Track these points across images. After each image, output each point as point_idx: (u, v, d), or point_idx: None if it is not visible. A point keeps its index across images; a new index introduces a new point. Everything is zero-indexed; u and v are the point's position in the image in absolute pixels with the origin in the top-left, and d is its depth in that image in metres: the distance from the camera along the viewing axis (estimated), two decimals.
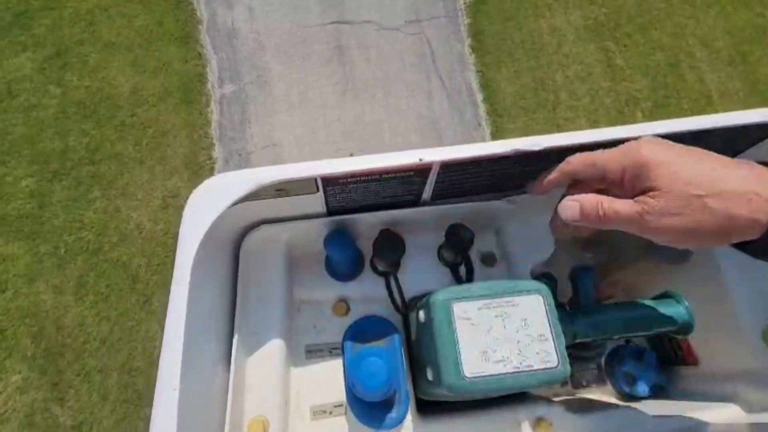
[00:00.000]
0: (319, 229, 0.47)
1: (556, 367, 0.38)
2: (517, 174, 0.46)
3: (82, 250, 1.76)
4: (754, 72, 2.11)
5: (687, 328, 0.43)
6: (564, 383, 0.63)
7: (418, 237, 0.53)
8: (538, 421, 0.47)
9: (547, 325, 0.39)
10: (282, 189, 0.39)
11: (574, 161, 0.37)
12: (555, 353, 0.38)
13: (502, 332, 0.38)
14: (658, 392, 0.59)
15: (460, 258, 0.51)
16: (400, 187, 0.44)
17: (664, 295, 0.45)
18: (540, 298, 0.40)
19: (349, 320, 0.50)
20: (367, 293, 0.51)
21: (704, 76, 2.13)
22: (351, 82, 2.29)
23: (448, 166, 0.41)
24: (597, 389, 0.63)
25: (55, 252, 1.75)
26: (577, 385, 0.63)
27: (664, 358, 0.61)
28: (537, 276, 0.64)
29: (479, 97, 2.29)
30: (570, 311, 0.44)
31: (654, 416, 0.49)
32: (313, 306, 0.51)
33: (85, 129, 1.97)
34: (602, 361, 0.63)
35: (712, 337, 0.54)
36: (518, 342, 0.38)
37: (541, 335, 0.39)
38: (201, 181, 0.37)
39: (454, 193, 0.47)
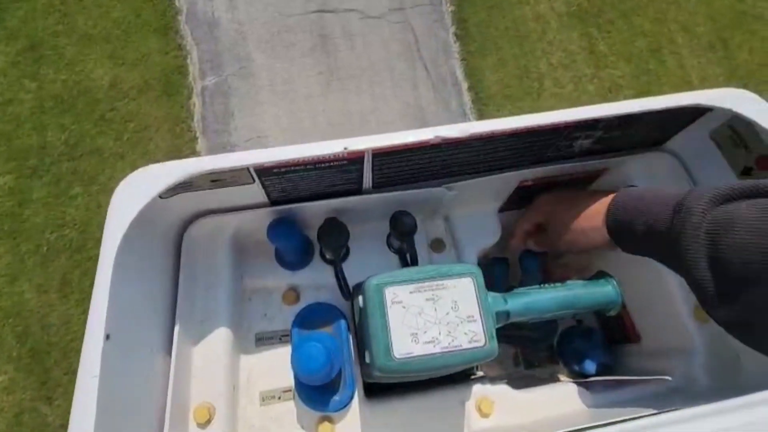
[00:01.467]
0: (265, 218, 0.48)
1: (483, 346, 0.40)
2: (455, 161, 0.47)
3: (64, 248, 1.76)
4: (734, 58, 2.12)
5: (613, 305, 0.45)
6: (516, 363, 0.66)
7: (366, 225, 0.54)
8: (480, 400, 0.49)
9: (477, 306, 0.41)
10: (217, 180, 0.40)
11: (517, 235, 0.57)
12: (482, 333, 0.40)
13: (433, 314, 0.40)
14: (604, 370, 0.61)
15: (409, 242, 0.52)
16: (339, 175, 0.45)
17: (597, 276, 0.47)
18: (470, 280, 0.42)
19: (299, 308, 0.51)
20: (317, 281, 0.52)
21: (685, 61, 2.14)
22: (336, 71, 2.28)
23: (381, 155, 0.42)
24: (548, 368, 0.66)
25: (38, 250, 1.75)
26: (530, 366, 0.65)
27: (611, 337, 0.63)
28: (492, 260, 0.66)
29: (464, 85, 2.28)
30: (505, 293, 0.45)
31: (593, 390, 0.51)
32: (264, 295, 0.52)
33: (64, 124, 1.96)
34: (554, 341, 0.65)
35: (651, 316, 0.56)
36: (448, 323, 0.40)
37: (470, 316, 0.40)
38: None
39: (396, 180, 0.48)
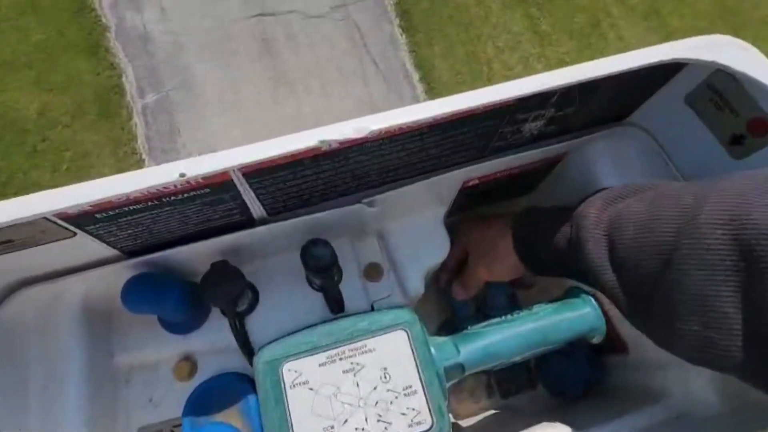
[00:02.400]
0: (125, 273, 0.34)
1: (429, 429, 0.27)
2: (370, 167, 0.34)
3: None
4: (667, 25, 2.13)
5: (595, 332, 0.33)
6: (490, 394, 0.54)
7: (276, 258, 0.41)
8: None
9: (415, 370, 0.28)
10: (7, 242, 0.26)
11: (445, 271, 0.50)
12: (427, 409, 0.27)
13: (354, 393, 0.27)
14: (591, 388, 0.50)
15: (329, 281, 0.39)
16: (210, 208, 0.31)
17: (570, 293, 0.35)
18: (403, 334, 0.29)
19: (198, 382, 0.37)
20: (219, 343, 0.38)
21: (624, 32, 2.11)
22: (283, 75, 2.13)
23: (256, 175, 0.28)
24: (528, 394, 0.54)
25: None
26: (506, 394, 0.53)
27: (594, 347, 0.52)
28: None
29: (415, 76, 2.18)
30: (455, 336, 0.33)
31: (578, 427, 0.40)
32: (148, 372, 0.38)
33: None
34: (531, 362, 0.53)
35: None
36: (377, 403, 0.27)
37: (407, 387, 0.28)
38: None
39: (296, 203, 0.35)
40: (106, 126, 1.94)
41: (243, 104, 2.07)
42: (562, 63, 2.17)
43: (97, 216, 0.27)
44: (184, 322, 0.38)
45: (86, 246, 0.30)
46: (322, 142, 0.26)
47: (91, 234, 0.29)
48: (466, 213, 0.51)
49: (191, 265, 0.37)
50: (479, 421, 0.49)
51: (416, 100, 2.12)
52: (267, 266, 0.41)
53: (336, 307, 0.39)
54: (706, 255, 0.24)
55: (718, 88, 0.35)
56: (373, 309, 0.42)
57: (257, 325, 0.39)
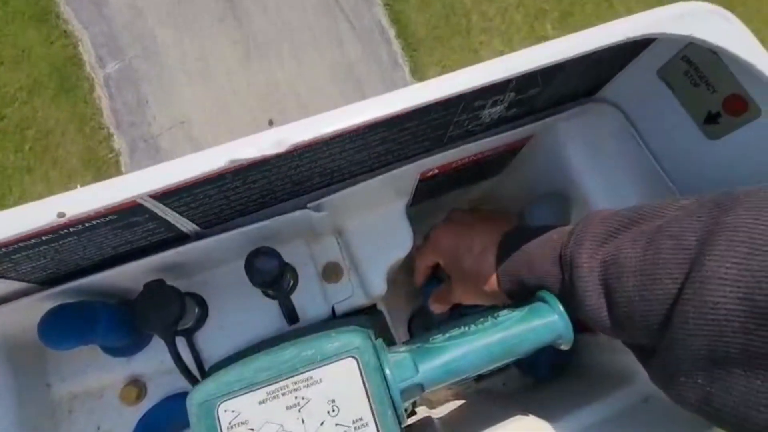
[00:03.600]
0: (44, 305, 0.30)
1: None
2: (311, 172, 0.30)
3: None
4: None
5: (563, 340, 0.31)
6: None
7: (226, 270, 0.37)
8: None
9: (366, 401, 0.25)
10: None
11: (419, 273, 0.45)
12: None
13: (300, 430, 0.24)
14: (559, 370, 0.50)
15: (278, 293, 0.35)
16: (126, 231, 0.27)
17: (536, 298, 0.32)
18: (353, 362, 0.26)
19: (148, 406, 0.35)
20: (167, 362, 0.35)
21: None
22: (252, 39, 1.99)
23: (169, 196, 0.24)
24: (500, 376, 0.53)
25: None
26: (480, 378, 0.53)
27: None
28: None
29: (391, 33, 2.06)
30: (414, 350, 0.30)
31: (554, 420, 0.39)
32: (92, 399, 0.35)
33: None
34: None
35: None
36: None
37: (358, 420, 0.25)
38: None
39: (227, 216, 0.31)
40: (67, 101, 1.82)
41: (211, 71, 1.94)
42: (541, 12, 2.06)
43: None
44: (126, 345, 0.35)
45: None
46: (232, 161, 0.22)
47: None
48: (430, 201, 0.47)
49: (123, 286, 0.33)
50: (454, 408, 0.48)
51: (393, 57, 2.02)
52: (214, 276, 0.37)
53: (289, 318, 0.36)
54: (712, 314, 0.21)
55: (694, 62, 0.31)
56: (334, 312, 0.40)
57: (209, 339, 0.36)
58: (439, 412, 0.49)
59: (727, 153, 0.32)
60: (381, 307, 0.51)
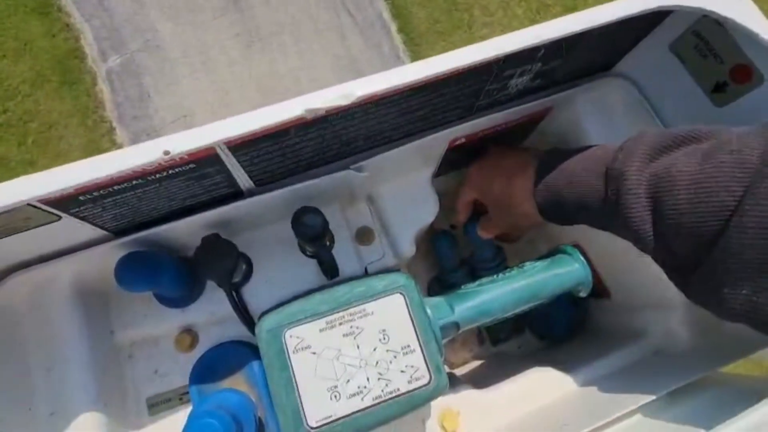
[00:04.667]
0: (116, 253, 0.33)
1: (427, 385, 0.28)
2: (357, 132, 0.33)
3: None
4: None
5: (583, 285, 0.34)
6: (481, 342, 0.57)
7: (267, 228, 0.41)
8: (443, 415, 0.39)
9: (413, 331, 0.29)
10: None
11: (460, 212, 0.49)
12: (425, 365, 0.29)
13: (355, 355, 0.28)
14: (575, 329, 0.53)
15: (321, 248, 0.39)
16: (196, 183, 0.30)
17: (557, 250, 0.36)
18: (400, 297, 0.30)
19: (200, 353, 0.38)
20: (218, 313, 0.39)
21: None
22: (254, 31, 2.01)
23: (242, 147, 0.28)
24: (517, 340, 0.57)
25: None
26: (496, 342, 0.56)
27: None
28: (435, 234, 0.55)
29: (393, 27, 2.09)
30: (449, 295, 0.34)
31: (569, 370, 0.43)
32: (150, 346, 0.38)
33: None
34: None
35: (620, 270, 0.47)
36: (377, 363, 0.28)
37: (405, 347, 0.29)
38: None
39: (283, 173, 0.34)
40: (70, 94, 1.84)
41: (214, 64, 1.96)
42: (543, 6, 2.10)
43: (81, 198, 0.26)
44: (181, 297, 0.38)
45: (73, 228, 0.29)
46: (308, 110, 0.25)
47: (76, 216, 0.28)
48: (453, 171, 0.51)
49: (182, 240, 0.36)
50: (473, 368, 0.52)
51: (395, 52, 2.05)
52: (259, 236, 0.41)
53: (330, 272, 0.39)
54: None
55: (704, 35, 0.35)
56: (366, 272, 0.43)
57: (254, 294, 0.40)
58: (460, 371, 0.53)
59: (733, 119, 0.36)
60: (404, 271, 0.55)
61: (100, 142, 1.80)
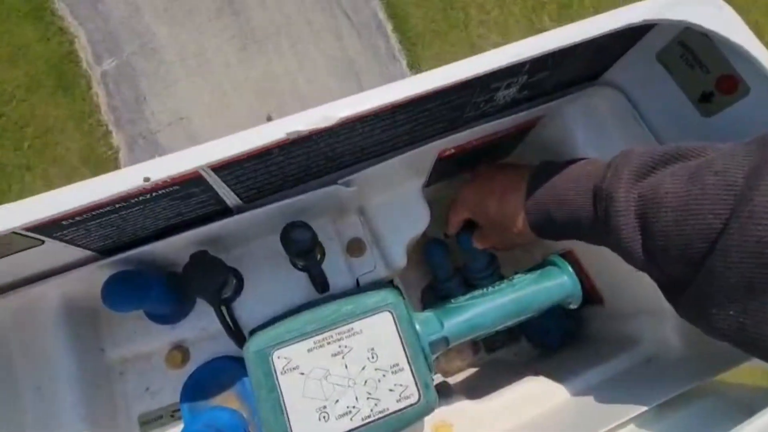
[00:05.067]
0: (103, 273, 0.33)
1: (416, 403, 0.28)
2: (343, 149, 0.33)
3: None
4: None
5: (572, 298, 0.34)
6: (476, 351, 0.57)
7: (259, 245, 0.41)
8: (437, 427, 0.39)
9: (401, 349, 0.29)
10: None
11: (452, 226, 0.49)
12: (414, 384, 0.29)
13: (344, 374, 0.28)
14: (568, 338, 0.54)
15: (311, 262, 0.39)
16: (182, 203, 0.30)
17: (546, 263, 0.36)
18: (388, 315, 0.30)
19: (191, 369, 0.38)
20: (209, 329, 0.39)
21: None
22: (250, 33, 2.01)
23: (226, 168, 0.28)
24: (512, 347, 0.57)
25: None
26: (491, 349, 0.56)
27: None
28: (427, 243, 0.55)
29: (389, 27, 2.08)
30: (438, 309, 0.34)
31: (564, 379, 0.43)
32: (141, 363, 0.38)
33: None
34: None
35: (612, 277, 0.47)
36: (366, 382, 0.28)
37: (394, 365, 0.29)
38: None
39: (270, 189, 0.34)
40: (65, 98, 1.83)
41: (209, 66, 1.96)
42: (539, 4, 2.10)
43: (64, 223, 0.26)
44: (170, 313, 0.38)
45: (58, 251, 0.29)
46: (289, 134, 0.25)
47: (60, 240, 0.28)
48: (444, 180, 0.51)
49: (170, 257, 0.36)
50: (468, 377, 0.52)
51: (391, 52, 2.04)
52: (249, 251, 0.41)
53: (320, 286, 0.39)
54: (756, 247, 0.22)
55: (690, 45, 0.35)
56: (358, 284, 0.43)
57: (245, 308, 0.40)
58: (454, 380, 0.53)
59: (720, 129, 0.36)
60: (397, 282, 0.55)
61: (96, 146, 1.80)
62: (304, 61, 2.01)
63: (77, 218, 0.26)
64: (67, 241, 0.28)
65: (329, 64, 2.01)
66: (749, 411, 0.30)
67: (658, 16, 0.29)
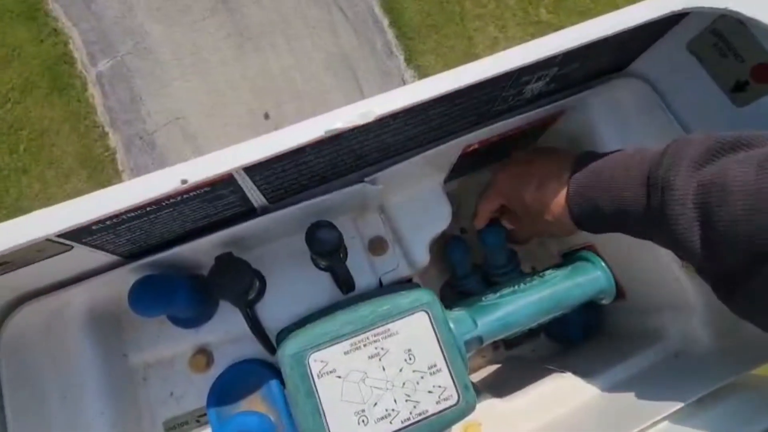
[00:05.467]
0: (127, 278, 0.33)
1: (456, 404, 0.28)
2: (372, 146, 0.32)
3: None
4: None
5: (605, 294, 0.34)
6: (496, 347, 0.56)
7: (279, 242, 0.40)
8: (465, 428, 0.39)
9: (438, 349, 0.28)
10: (4, 263, 0.24)
11: (480, 216, 0.46)
12: (453, 385, 0.28)
13: (382, 377, 0.28)
14: (590, 332, 0.53)
15: (336, 262, 0.38)
16: (210, 205, 0.29)
17: (579, 258, 0.36)
18: (424, 315, 0.29)
19: (215, 373, 0.38)
20: (232, 332, 0.38)
21: None
22: (246, 31, 1.99)
23: (258, 168, 0.27)
24: (531, 343, 0.57)
25: None
26: (510, 345, 0.56)
27: None
28: (448, 241, 0.54)
29: (385, 22, 2.07)
30: (471, 308, 0.33)
31: (589, 377, 0.42)
32: (164, 367, 0.38)
33: None
34: None
35: (635, 270, 0.47)
36: (404, 384, 0.28)
37: (432, 366, 0.28)
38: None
39: (297, 188, 0.33)
40: (60, 100, 1.81)
41: (205, 65, 1.94)
42: None
43: (94, 228, 0.25)
44: (194, 317, 0.38)
45: (85, 256, 0.28)
46: (328, 131, 0.24)
47: (88, 245, 0.27)
48: (462, 176, 0.50)
49: (195, 260, 0.36)
50: (489, 374, 0.51)
51: (388, 47, 2.03)
52: (271, 251, 0.40)
53: (345, 286, 0.39)
54: None
55: (723, 34, 0.34)
56: (381, 283, 0.43)
57: (268, 310, 0.39)
58: (475, 377, 0.52)
59: (753, 119, 0.35)
60: (416, 280, 0.54)
61: (93, 147, 1.78)
62: (301, 57, 1.99)
63: (107, 222, 0.25)
64: (95, 246, 0.28)
65: (326, 60, 1.99)
66: None
67: (699, 3, 0.28)
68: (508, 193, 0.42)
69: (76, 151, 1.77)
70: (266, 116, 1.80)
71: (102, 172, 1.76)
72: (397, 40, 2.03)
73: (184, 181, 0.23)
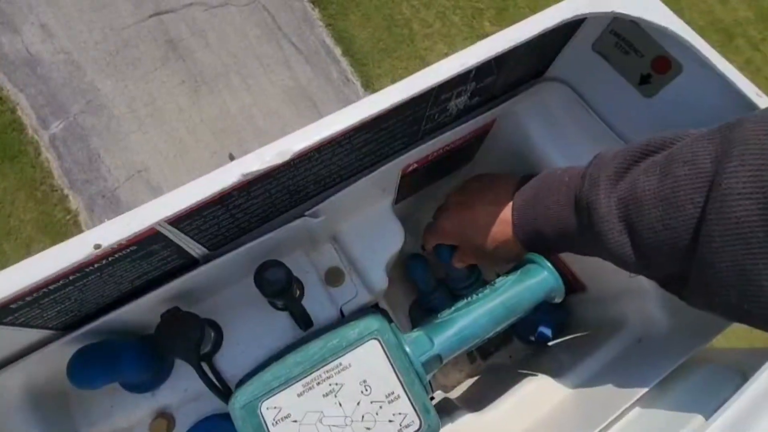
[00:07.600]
0: (65, 350, 0.31)
1: (419, 429, 0.27)
2: (305, 180, 0.32)
3: None
4: None
5: (556, 292, 0.35)
6: (472, 360, 0.56)
7: (235, 291, 0.39)
8: None
9: (394, 376, 0.28)
10: None
11: (428, 249, 0.48)
12: (413, 410, 0.28)
13: (339, 413, 0.27)
14: (561, 329, 0.54)
15: (290, 300, 0.38)
16: (143, 262, 0.29)
17: (526, 261, 0.36)
18: (375, 343, 0.29)
19: None
20: (191, 389, 0.37)
21: None
22: (199, 75, 1.99)
23: (184, 219, 0.26)
24: (506, 350, 0.57)
25: None
26: (486, 355, 0.56)
27: None
28: (407, 258, 0.54)
29: (337, 51, 2.11)
30: (426, 327, 0.33)
31: (559, 375, 0.42)
32: None
33: None
34: None
35: (591, 262, 0.48)
36: (363, 417, 0.27)
37: (390, 394, 0.28)
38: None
39: (235, 233, 0.33)
40: (12, 168, 1.76)
41: (162, 114, 1.92)
42: (477, 11, 2.18)
43: (12, 306, 0.24)
44: (148, 380, 0.36)
45: (11, 336, 0.27)
46: (245, 175, 0.24)
47: (12, 325, 0.26)
48: (413, 195, 0.51)
49: (139, 320, 0.34)
50: (469, 387, 0.51)
51: (344, 75, 2.07)
52: (225, 299, 0.39)
53: (303, 322, 0.38)
54: (736, 229, 0.22)
55: (621, 33, 0.36)
56: (342, 314, 0.42)
57: (228, 360, 0.38)
58: (455, 393, 0.52)
59: (662, 107, 0.37)
60: (383, 304, 0.54)
61: (53, 212, 1.73)
62: (258, 95, 2.01)
63: (27, 299, 0.24)
64: (20, 324, 0.26)
65: (283, 94, 2.01)
66: (742, 376, 0.30)
67: (588, 10, 0.30)
68: (453, 235, 0.43)
69: (35, 219, 1.71)
70: (231, 157, 1.78)
71: (65, 236, 1.69)
72: (351, 68, 2.08)
73: (97, 246, 0.22)
